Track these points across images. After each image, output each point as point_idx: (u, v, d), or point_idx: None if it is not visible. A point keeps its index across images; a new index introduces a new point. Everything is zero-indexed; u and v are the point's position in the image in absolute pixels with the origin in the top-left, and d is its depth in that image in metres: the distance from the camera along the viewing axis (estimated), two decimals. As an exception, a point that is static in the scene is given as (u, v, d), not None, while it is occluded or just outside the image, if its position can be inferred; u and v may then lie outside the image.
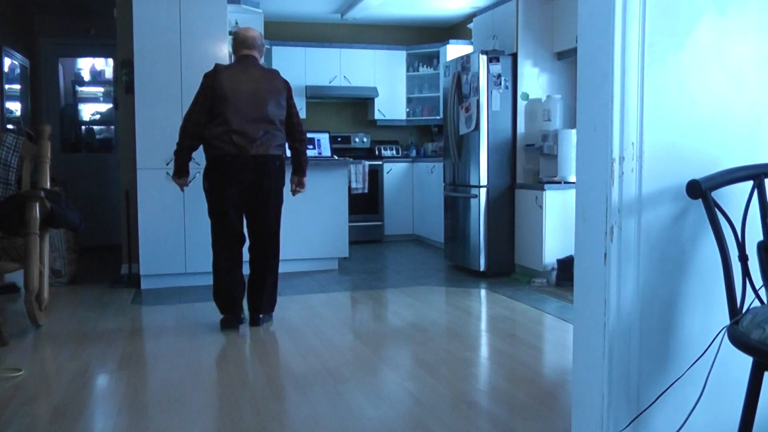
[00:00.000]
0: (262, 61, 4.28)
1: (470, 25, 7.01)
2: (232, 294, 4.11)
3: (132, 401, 2.91)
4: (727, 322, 1.82)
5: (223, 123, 3.94)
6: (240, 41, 4.18)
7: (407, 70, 8.50)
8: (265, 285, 4.17)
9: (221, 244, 4.08)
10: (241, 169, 3.96)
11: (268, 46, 7.80)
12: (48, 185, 4.44)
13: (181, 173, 4.14)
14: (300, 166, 4.33)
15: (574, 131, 5.30)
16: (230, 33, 6.01)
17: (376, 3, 7.30)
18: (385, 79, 8.41)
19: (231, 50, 4.34)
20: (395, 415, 2.75)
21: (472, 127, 5.76)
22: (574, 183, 4.98)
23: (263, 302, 4.18)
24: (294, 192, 4.40)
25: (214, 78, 4.00)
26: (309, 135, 6.72)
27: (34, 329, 4.13)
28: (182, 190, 4.34)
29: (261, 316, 4.19)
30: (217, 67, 4.11)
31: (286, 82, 4.20)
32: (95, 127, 8.23)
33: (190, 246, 5.34)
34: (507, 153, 5.80)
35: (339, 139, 8.36)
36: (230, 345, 3.83)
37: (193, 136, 4.01)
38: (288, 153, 4.34)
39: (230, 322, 4.11)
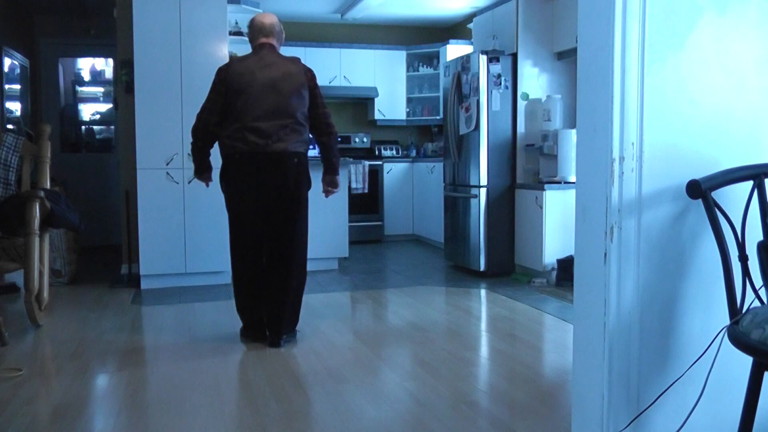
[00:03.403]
0: (281, 50, 3.89)
1: (470, 25, 7.02)
2: (254, 315, 3.80)
3: (132, 401, 2.91)
4: (727, 322, 1.82)
5: (237, 119, 3.60)
6: (257, 29, 3.80)
7: (407, 70, 8.50)
8: (284, 310, 3.70)
9: (238, 255, 3.77)
10: (256, 168, 3.59)
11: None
12: (48, 185, 4.44)
13: (201, 170, 3.88)
14: (330, 162, 3.89)
15: (574, 131, 5.30)
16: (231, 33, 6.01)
17: (376, 3, 7.29)
18: (385, 79, 8.41)
19: (248, 39, 3.95)
20: (395, 415, 2.75)
21: (472, 127, 5.76)
22: (574, 183, 4.98)
23: (282, 326, 3.72)
24: (326, 193, 3.97)
25: (226, 71, 3.66)
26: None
27: (34, 329, 4.13)
28: (207, 185, 4.02)
29: (283, 337, 3.72)
30: (232, 58, 3.67)
31: (308, 70, 3.78)
32: (95, 127, 8.23)
33: (190, 246, 5.33)
34: (507, 153, 5.80)
35: (339, 139, 8.32)
36: (230, 345, 3.83)
37: (204, 136, 3.71)
38: (309, 152, 4.00)
39: (252, 335, 3.82)
